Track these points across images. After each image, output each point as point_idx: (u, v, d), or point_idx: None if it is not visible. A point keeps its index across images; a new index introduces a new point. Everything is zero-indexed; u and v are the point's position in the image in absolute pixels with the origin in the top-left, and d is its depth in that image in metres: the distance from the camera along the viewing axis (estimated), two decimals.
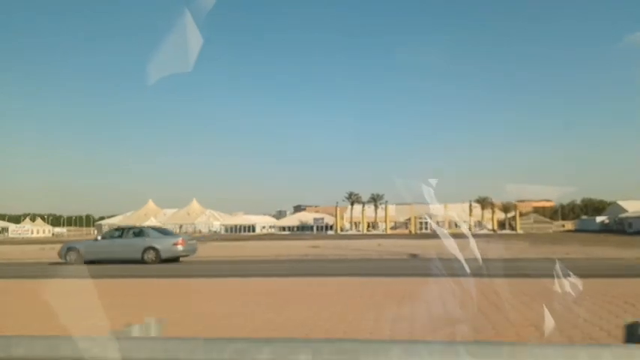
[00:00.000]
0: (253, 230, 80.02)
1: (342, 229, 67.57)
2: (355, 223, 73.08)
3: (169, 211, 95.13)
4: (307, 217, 74.02)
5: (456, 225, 71.82)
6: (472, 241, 2.11)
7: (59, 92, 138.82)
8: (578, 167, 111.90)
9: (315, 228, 70.58)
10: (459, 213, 69.45)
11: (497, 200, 61.33)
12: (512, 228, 63.93)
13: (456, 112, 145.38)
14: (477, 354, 1.14)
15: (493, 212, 65.69)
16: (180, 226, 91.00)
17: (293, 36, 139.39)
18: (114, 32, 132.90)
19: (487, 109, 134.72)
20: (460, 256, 1.93)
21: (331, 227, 68.75)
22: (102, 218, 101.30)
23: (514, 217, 65.25)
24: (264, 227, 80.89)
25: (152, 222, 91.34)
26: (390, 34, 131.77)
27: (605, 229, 63.08)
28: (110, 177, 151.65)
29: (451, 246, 1.84)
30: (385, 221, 68.34)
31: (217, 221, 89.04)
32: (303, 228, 73.08)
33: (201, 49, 1.72)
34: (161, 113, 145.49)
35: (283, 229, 75.52)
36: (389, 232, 65.76)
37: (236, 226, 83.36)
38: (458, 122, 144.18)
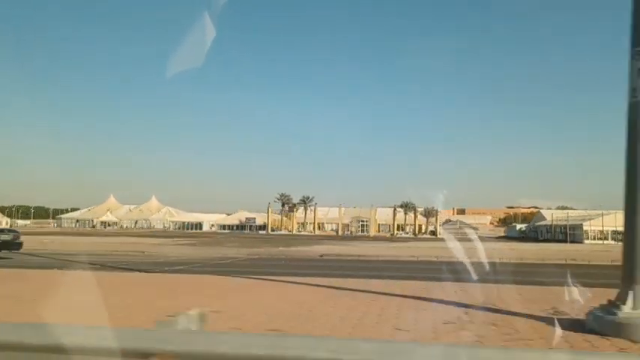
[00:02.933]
0: (200, 228, 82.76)
1: (272, 229, 70.05)
2: (302, 223, 75.66)
3: (128, 207, 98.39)
4: (250, 216, 76.65)
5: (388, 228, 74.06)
6: None
7: (22, 81, 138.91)
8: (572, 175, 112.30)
9: (248, 227, 73.14)
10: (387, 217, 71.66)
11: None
12: (433, 233, 65.86)
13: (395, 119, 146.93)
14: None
15: (415, 217, 67.71)
16: (136, 222, 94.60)
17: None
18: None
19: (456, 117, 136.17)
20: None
21: (264, 227, 71.23)
22: (67, 211, 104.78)
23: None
24: (212, 225, 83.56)
25: (108, 217, 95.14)
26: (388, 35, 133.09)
27: (522, 235, 64.82)
28: (76, 170, 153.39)
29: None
30: (314, 223, 70.76)
31: (173, 218, 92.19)
32: (242, 227, 75.66)
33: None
34: (138, 108, 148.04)
35: (224, 227, 78.22)
36: (317, 233, 68.06)
37: (184, 223, 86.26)
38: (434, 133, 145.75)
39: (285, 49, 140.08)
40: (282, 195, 69.51)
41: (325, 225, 76.73)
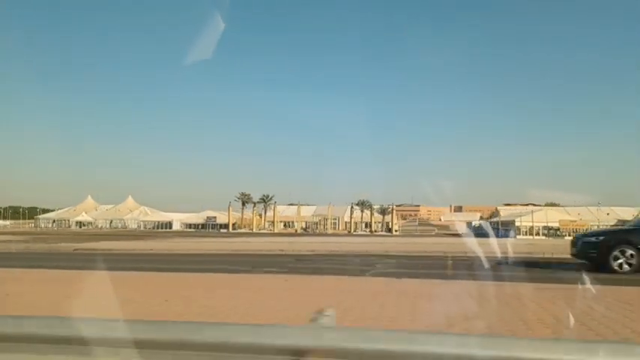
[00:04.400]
0: (171, 227, 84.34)
1: (234, 228, 71.34)
2: (272, 222, 77.01)
3: (105, 207, 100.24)
4: (212, 215, 77.91)
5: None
6: None
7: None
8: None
9: (209, 226, 74.49)
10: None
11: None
12: (389, 230, 66.88)
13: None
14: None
15: (371, 214, 68.72)
16: (111, 222, 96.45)
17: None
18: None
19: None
20: None
21: (225, 226, 72.51)
22: (47, 211, 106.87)
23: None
24: (185, 224, 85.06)
25: (83, 217, 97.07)
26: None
27: (474, 232, 65.55)
28: (54, 170, 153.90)
29: None
30: (273, 220, 71.96)
31: (146, 218, 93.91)
32: (208, 226, 77.06)
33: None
34: (115, 106, 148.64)
35: (189, 226, 79.71)
36: (276, 230, 69.28)
37: (155, 222, 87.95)
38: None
39: (271, 47, 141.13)
40: (242, 194, 70.77)
41: (295, 223, 77.99)
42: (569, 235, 47.94)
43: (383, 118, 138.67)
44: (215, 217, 74.47)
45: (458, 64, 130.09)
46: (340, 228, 74.40)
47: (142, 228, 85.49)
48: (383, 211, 68.64)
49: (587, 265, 12.64)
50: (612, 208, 64.49)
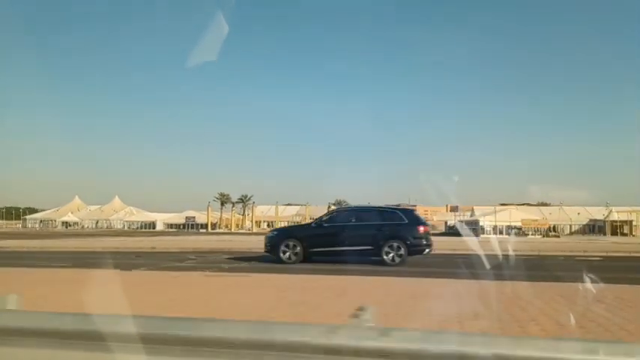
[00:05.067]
0: (154, 227, 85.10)
1: (213, 227, 72.01)
2: (258, 222, 77.89)
3: (91, 208, 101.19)
4: (191, 215, 78.62)
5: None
6: None
7: None
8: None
9: (188, 226, 75.19)
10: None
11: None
12: None
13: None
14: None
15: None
16: (97, 222, 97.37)
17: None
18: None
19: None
20: None
21: (205, 226, 73.19)
22: (35, 211, 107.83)
23: None
24: (166, 224, 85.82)
25: (69, 217, 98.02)
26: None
27: (448, 231, 66.10)
28: (45, 171, 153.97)
29: None
30: (252, 220, 72.64)
31: (132, 218, 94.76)
32: (187, 226, 77.78)
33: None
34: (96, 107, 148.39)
35: (170, 226, 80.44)
36: (255, 230, 69.87)
37: (140, 222, 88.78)
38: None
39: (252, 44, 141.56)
40: (220, 194, 71.39)
41: (274, 223, 78.73)
42: (533, 234, 48.39)
43: (383, 118, 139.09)
44: (194, 217, 75.14)
45: (454, 64, 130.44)
46: None
47: (126, 228, 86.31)
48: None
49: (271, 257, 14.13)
50: (587, 208, 64.88)
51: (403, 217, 13.97)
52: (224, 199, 70.80)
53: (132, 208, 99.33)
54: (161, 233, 58.92)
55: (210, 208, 72.66)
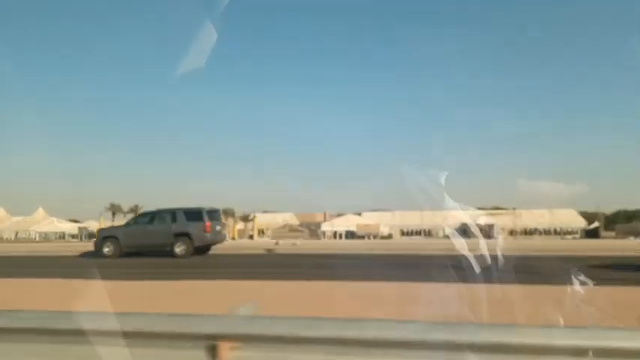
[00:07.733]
0: (63, 237, 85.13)
1: None
2: None
3: (17, 219, 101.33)
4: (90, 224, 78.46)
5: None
6: None
7: None
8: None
9: (80, 237, 74.93)
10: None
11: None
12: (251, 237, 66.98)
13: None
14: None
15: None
16: (16, 233, 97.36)
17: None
18: None
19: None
20: None
21: None
22: None
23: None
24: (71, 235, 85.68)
25: None
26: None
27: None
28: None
29: None
30: None
31: (52, 228, 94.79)
32: (80, 236, 77.54)
33: None
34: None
35: (73, 236, 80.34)
36: None
37: (56, 233, 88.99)
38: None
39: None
40: (111, 205, 71.27)
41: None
42: (368, 238, 47.99)
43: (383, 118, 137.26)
44: (87, 228, 75.04)
45: (450, 65, 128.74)
46: None
47: (37, 239, 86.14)
48: (244, 219, 68.68)
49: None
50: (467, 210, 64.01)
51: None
52: (115, 209, 70.53)
53: (55, 219, 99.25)
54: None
55: (102, 218, 72.34)
